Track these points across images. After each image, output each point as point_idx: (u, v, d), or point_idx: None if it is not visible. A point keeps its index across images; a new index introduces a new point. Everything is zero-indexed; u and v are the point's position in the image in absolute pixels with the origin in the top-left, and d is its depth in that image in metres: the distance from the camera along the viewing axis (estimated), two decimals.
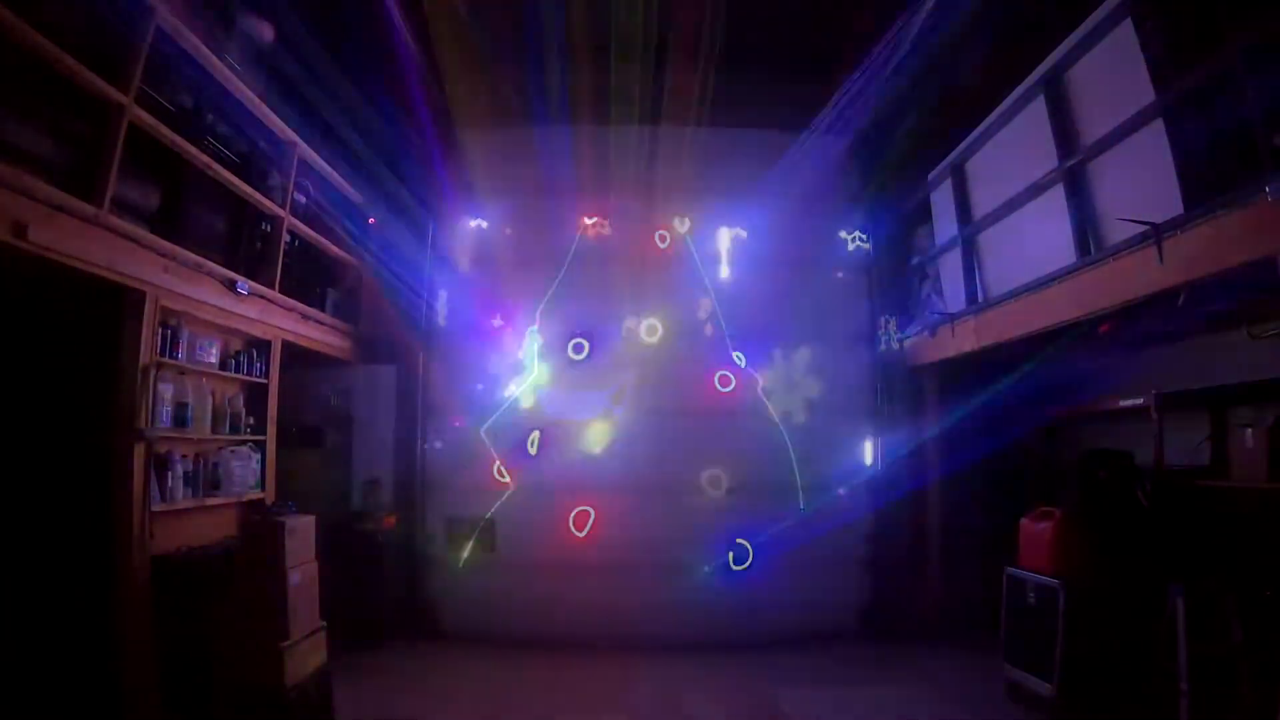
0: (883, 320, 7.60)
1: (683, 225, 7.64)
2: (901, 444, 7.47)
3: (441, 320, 7.70)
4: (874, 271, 7.78)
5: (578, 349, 7.49)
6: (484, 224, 7.72)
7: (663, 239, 7.61)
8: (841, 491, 7.38)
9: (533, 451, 7.35)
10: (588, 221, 7.62)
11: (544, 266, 7.55)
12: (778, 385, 7.48)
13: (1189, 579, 4.28)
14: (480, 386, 7.50)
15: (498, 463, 7.34)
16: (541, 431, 7.36)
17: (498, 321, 7.51)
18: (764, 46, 7.01)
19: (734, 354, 7.45)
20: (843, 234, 7.76)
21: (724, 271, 7.63)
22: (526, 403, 7.43)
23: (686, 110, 7.32)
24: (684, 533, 7.16)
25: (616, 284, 7.50)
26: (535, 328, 7.50)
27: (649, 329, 7.49)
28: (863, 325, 7.74)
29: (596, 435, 7.40)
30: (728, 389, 7.42)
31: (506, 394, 7.44)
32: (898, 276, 7.68)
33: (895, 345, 7.53)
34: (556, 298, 7.52)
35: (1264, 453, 4.37)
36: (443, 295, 7.72)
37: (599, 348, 7.48)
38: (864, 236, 7.76)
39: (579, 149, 7.40)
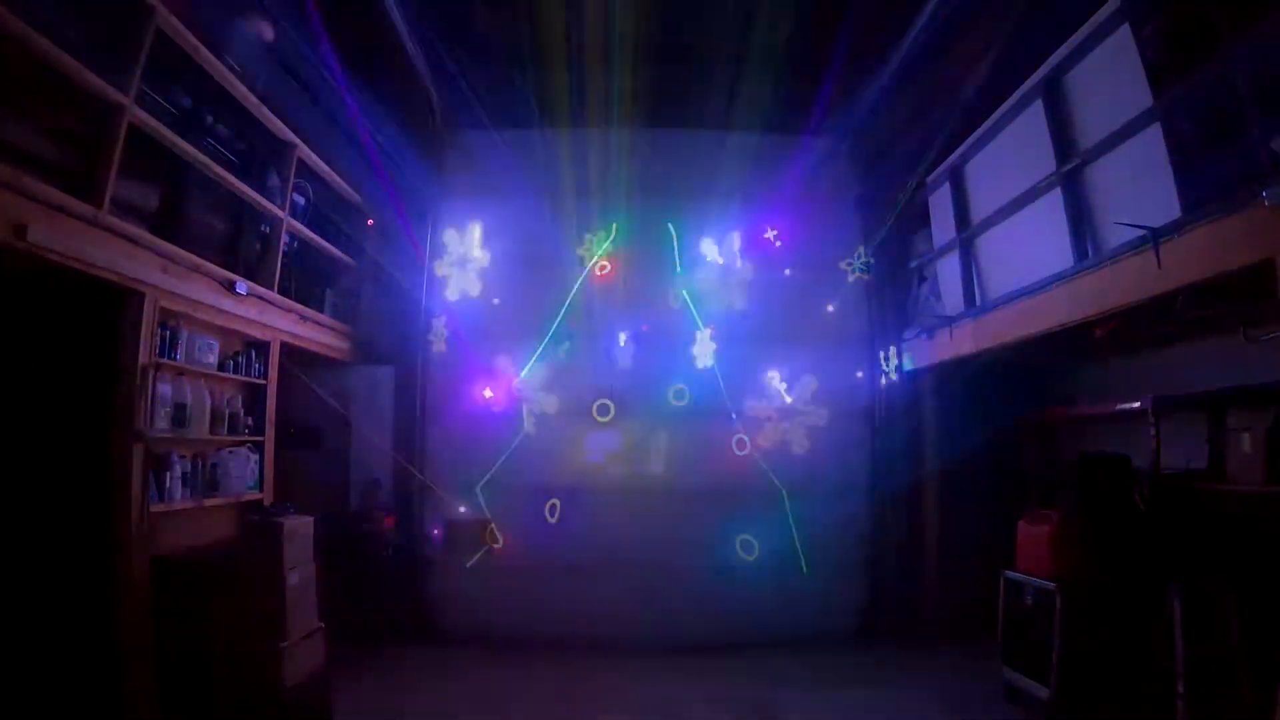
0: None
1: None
2: (899, 448, 7.48)
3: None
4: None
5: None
6: (480, 225, 7.58)
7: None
8: (840, 496, 7.36)
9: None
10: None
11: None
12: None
13: (1186, 581, 4.29)
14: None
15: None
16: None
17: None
18: (759, 49, 7.00)
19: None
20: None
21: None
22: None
23: (688, 114, 7.34)
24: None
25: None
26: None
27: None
28: (863, 336, 7.69)
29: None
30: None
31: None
32: (897, 281, 7.69)
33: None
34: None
35: (1261, 456, 4.38)
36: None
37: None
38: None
39: (579, 152, 7.38)
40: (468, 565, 7.16)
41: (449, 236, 7.57)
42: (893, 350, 7.53)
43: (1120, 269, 4.30)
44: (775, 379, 7.40)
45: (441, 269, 7.55)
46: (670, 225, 7.52)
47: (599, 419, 7.34)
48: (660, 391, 7.35)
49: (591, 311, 7.44)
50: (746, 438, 7.32)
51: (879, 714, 5.36)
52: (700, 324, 7.42)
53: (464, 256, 7.55)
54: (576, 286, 7.45)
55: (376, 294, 7.48)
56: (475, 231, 7.56)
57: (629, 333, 7.40)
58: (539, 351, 7.39)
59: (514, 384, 7.37)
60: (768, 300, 7.50)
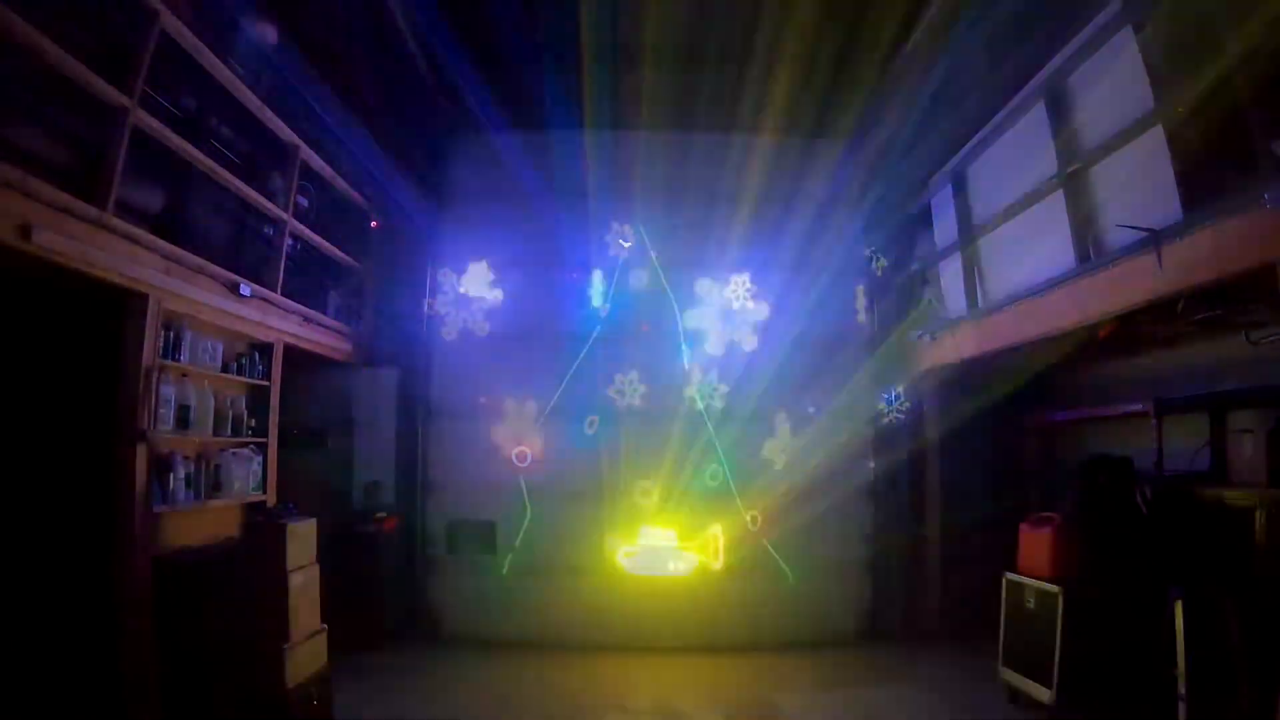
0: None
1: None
2: (901, 450, 7.47)
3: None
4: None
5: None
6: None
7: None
8: (842, 499, 7.33)
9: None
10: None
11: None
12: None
13: (1188, 584, 4.29)
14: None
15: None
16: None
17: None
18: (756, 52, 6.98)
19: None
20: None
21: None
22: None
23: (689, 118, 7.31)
24: None
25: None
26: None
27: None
28: (866, 341, 7.65)
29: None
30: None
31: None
32: (900, 286, 7.65)
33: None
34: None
35: (1263, 458, 4.38)
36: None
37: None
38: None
39: (583, 155, 7.34)
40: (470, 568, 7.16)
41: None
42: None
43: (1122, 272, 4.30)
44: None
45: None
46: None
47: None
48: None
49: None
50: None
51: (880, 717, 5.36)
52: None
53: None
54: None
55: (379, 296, 7.49)
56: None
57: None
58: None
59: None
60: (772, 308, 7.45)
